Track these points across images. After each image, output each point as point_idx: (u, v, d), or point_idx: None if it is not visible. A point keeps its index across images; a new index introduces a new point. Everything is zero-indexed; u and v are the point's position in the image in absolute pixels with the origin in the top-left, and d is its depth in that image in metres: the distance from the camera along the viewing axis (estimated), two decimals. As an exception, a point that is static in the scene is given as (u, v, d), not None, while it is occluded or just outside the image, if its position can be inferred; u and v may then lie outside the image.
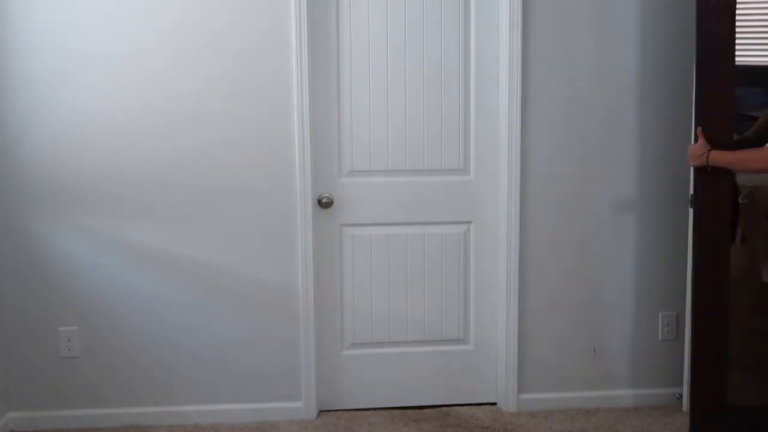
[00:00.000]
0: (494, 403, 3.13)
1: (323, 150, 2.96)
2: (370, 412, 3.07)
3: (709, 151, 2.51)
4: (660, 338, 3.11)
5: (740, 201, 2.65)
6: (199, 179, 2.88)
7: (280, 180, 2.90)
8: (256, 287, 2.95)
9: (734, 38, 2.52)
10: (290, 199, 2.91)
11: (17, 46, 2.77)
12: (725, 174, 2.55)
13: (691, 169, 2.83)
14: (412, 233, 3.04)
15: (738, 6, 2.52)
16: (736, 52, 2.54)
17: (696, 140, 2.59)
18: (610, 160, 3.00)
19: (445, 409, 3.09)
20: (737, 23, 2.52)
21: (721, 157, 2.50)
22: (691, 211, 2.86)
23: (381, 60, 2.93)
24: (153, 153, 2.86)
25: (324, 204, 2.97)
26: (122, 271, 2.90)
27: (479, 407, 3.11)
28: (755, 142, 2.60)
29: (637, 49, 2.95)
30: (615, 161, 3.00)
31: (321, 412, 3.06)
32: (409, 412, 3.06)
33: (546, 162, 2.98)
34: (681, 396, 3.02)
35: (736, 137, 2.60)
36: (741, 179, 2.66)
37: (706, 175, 2.56)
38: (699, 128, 2.56)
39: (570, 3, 2.91)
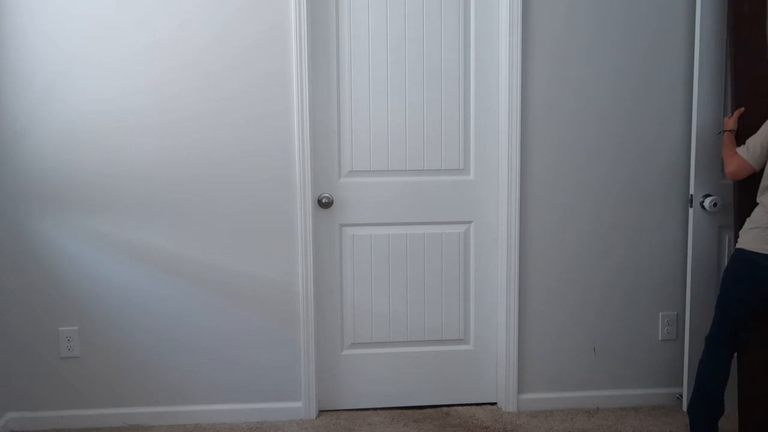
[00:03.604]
0: (494, 403, 3.13)
1: (323, 150, 2.96)
2: (370, 412, 3.07)
3: (726, 131, 2.72)
4: (660, 338, 3.11)
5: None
6: (199, 179, 2.88)
7: (280, 180, 2.90)
8: (256, 287, 2.95)
9: (766, 43, 2.74)
10: (290, 199, 2.91)
11: (18, 48, 2.77)
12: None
13: (692, 169, 2.84)
14: (412, 233, 3.04)
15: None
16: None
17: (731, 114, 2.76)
18: (610, 161, 3.00)
19: (445, 409, 3.09)
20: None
21: (725, 144, 2.70)
22: (691, 211, 2.87)
23: (381, 60, 2.93)
24: (153, 153, 2.86)
25: (324, 204, 2.97)
26: (122, 270, 2.90)
27: (479, 407, 3.11)
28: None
29: (636, 48, 2.95)
30: (615, 161, 3.00)
31: (321, 412, 3.06)
32: (409, 412, 3.07)
33: (546, 162, 2.98)
34: (681, 396, 3.02)
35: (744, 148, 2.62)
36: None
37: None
38: (742, 109, 2.71)
39: (570, 1, 2.91)
